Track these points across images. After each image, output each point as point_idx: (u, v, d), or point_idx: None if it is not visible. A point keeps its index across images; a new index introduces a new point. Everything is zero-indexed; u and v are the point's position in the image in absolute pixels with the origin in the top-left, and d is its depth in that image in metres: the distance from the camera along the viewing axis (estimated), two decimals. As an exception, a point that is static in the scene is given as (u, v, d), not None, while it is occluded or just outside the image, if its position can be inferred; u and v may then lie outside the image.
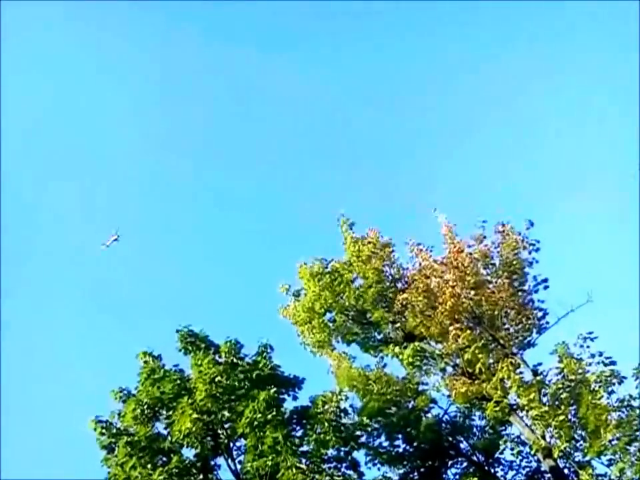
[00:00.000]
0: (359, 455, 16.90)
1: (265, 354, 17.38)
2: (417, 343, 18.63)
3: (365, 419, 17.20)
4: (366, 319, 20.29)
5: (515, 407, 16.87)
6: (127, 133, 39.07)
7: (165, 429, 16.50)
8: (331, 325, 20.41)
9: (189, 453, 16.16)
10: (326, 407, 16.13)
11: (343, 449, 16.13)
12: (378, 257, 20.59)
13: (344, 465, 15.96)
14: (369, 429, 17.18)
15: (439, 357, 18.71)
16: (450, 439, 17.99)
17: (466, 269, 18.69)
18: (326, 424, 15.76)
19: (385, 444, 17.69)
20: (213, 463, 16.36)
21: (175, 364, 17.47)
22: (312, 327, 20.29)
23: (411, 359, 18.35)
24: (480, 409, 17.59)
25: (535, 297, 18.86)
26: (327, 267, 21.08)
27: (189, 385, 16.72)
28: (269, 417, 15.56)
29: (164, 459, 15.77)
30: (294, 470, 14.79)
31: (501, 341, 18.06)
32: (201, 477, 15.78)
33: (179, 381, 16.77)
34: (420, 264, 19.60)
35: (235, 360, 17.16)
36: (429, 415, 18.19)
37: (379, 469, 17.47)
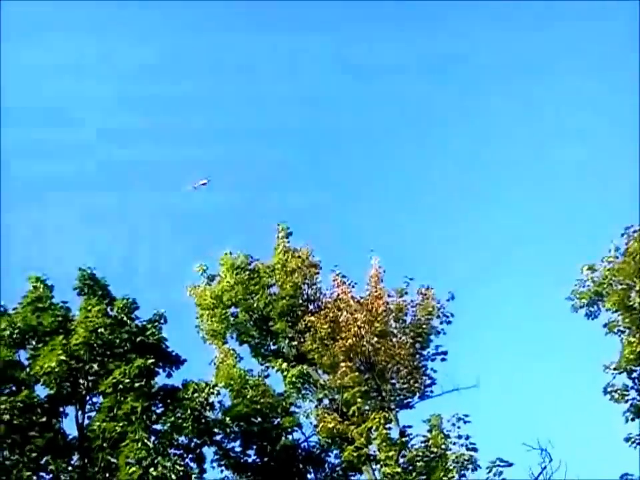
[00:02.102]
0: (208, 452, 16.63)
1: (156, 323, 16.89)
2: (305, 367, 18.59)
3: (228, 419, 16.92)
4: (267, 327, 20.14)
5: (371, 458, 17.00)
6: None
7: (28, 359, 15.80)
8: (232, 319, 20.17)
9: (41, 392, 15.51)
10: (195, 395, 15.73)
11: (195, 440, 15.74)
12: (301, 274, 20.57)
13: (190, 456, 15.60)
14: (228, 430, 16.90)
15: (321, 387, 18.71)
16: (301, 466, 17.91)
17: (378, 315, 18.84)
18: (188, 411, 15.31)
19: (238, 449, 17.45)
20: (62, 409, 15.68)
21: (64, 300, 16.85)
22: (213, 314, 20.00)
23: (294, 379, 18.28)
24: (339, 449, 17.61)
25: (430, 365, 19.19)
26: (250, 264, 20.92)
27: (70, 325, 16.05)
28: (136, 384, 15.05)
29: (13, 388, 15.03)
30: (139, 444, 14.32)
31: (384, 393, 18.23)
32: (44, 419, 15.10)
33: (60, 318, 16.04)
34: (338, 295, 19.66)
35: (125, 318, 16.59)
36: (290, 437, 18.09)
37: (222, 471, 17.21)
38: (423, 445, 16.65)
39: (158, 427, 15.45)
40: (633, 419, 18.10)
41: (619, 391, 18.36)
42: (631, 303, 18.51)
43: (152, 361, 15.67)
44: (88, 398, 15.83)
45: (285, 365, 18.61)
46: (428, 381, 18.73)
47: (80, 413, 15.65)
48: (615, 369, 18.58)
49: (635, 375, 18.36)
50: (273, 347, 20.15)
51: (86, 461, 15.07)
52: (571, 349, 26.47)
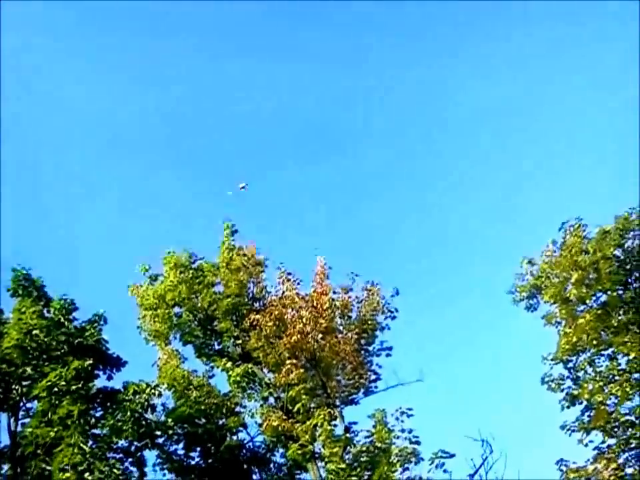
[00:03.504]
0: (150, 455, 16.17)
1: (95, 324, 16.34)
2: (250, 365, 18.26)
3: (170, 421, 16.49)
4: (211, 326, 19.74)
5: (317, 455, 16.85)
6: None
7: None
8: (175, 319, 19.66)
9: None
10: (136, 396, 15.29)
11: (136, 443, 15.26)
12: (247, 272, 20.26)
13: (130, 459, 15.12)
14: (170, 432, 16.48)
15: (266, 385, 18.42)
16: (245, 466, 17.63)
17: (323, 312, 18.69)
18: (128, 413, 14.88)
19: (181, 452, 17.06)
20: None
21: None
22: (156, 314, 19.46)
23: (238, 378, 17.91)
24: (284, 447, 17.42)
25: (375, 360, 19.16)
26: (194, 263, 20.46)
27: (2, 328, 15.38)
28: (73, 387, 14.49)
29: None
30: (76, 449, 13.79)
31: (329, 390, 18.07)
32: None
33: (-9, 321, 15.43)
34: (283, 292, 19.44)
35: (62, 319, 15.99)
36: (235, 438, 17.78)
37: (164, 475, 16.77)
38: (367, 440, 16.57)
39: (97, 430, 14.94)
40: (568, 407, 18.57)
41: (555, 381, 18.82)
42: (568, 295, 18.97)
43: (90, 362, 15.14)
44: (22, 404, 15.18)
45: (229, 365, 18.24)
46: (373, 377, 18.69)
47: (13, 419, 14.98)
48: (552, 359, 19.03)
49: (570, 364, 18.84)
50: (217, 347, 19.77)
51: (18, 469, 14.40)
52: (512, 341, 27.08)
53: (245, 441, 17.90)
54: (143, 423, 15.35)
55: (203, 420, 17.20)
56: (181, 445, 17.03)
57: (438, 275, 33.74)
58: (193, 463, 17.11)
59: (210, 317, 19.65)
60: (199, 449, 17.13)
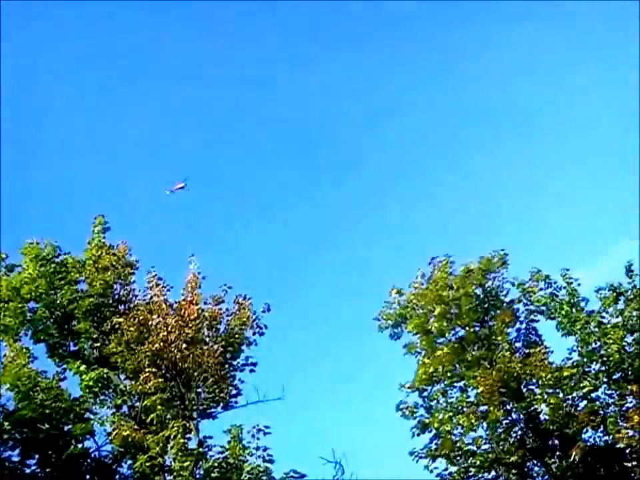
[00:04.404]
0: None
1: None
2: (106, 370, 17.25)
3: (7, 424, 15.17)
4: (69, 326, 18.47)
5: (166, 468, 16.19)
6: None
7: None
8: (29, 314, 18.24)
9: None
10: (-30, 396, 13.95)
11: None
12: (115, 272, 19.30)
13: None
14: (6, 437, 15.14)
15: (121, 392, 17.47)
16: (88, 477, 16.52)
17: (190, 322, 18.15)
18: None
19: (16, 459, 15.71)
20: None
21: None
22: (7, 307, 17.97)
23: (91, 383, 16.86)
24: (133, 458, 16.57)
25: (239, 375, 18.82)
26: (57, 257, 19.20)
27: None
28: None
29: None
30: None
31: (187, 402, 17.48)
32: None
33: None
34: (151, 297, 18.72)
35: None
36: (80, 446, 16.68)
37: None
38: (221, 455, 16.17)
39: None
40: (418, 434, 19.35)
41: (409, 408, 19.55)
42: (429, 327, 19.87)
43: None
44: None
45: (83, 368, 17.16)
46: (234, 391, 18.31)
47: None
48: (409, 387, 19.77)
49: (425, 394, 19.67)
50: (73, 348, 18.51)
51: None
52: (375, 367, 27.87)
53: (91, 450, 16.82)
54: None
55: (47, 425, 15.95)
56: (16, 452, 15.65)
57: (312, 293, 34.15)
58: (28, 471, 15.78)
59: (68, 316, 18.43)
60: (37, 456, 15.84)
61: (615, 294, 19.47)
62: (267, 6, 38.79)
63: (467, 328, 19.87)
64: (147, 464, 15.60)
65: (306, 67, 40.37)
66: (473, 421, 18.51)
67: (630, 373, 18.53)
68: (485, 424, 18.86)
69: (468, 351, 19.61)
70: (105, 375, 17.07)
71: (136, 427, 16.30)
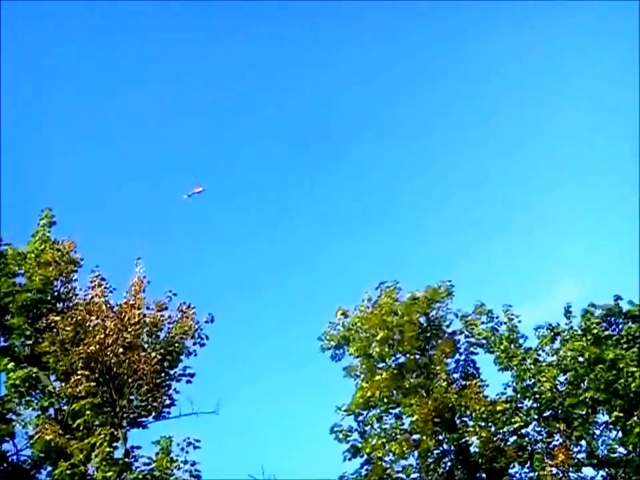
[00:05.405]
0: None
1: None
2: (35, 370, 16.56)
3: None
4: (1, 320, 17.62)
5: (88, 477, 15.56)
6: None
7: None
8: (-43, 306, 17.49)
9: None
10: None
11: None
12: (57, 268, 18.61)
13: None
14: None
15: (49, 394, 16.80)
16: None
17: (130, 326, 17.65)
18: None
19: None
20: None
21: None
22: None
23: (18, 382, 16.13)
24: (53, 465, 15.89)
25: (175, 385, 18.33)
26: (-3, 249, 18.48)
27: None
28: None
29: None
30: None
31: (117, 409, 16.93)
32: None
33: None
34: (92, 297, 18.11)
35: None
36: (-2, 448, 15.92)
37: None
38: (147, 467, 15.67)
39: None
40: (350, 459, 19.23)
41: (344, 432, 19.43)
42: (371, 352, 19.85)
43: None
44: None
45: (11, 365, 16.43)
46: (168, 401, 17.78)
47: None
48: (345, 410, 19.65)
49: (360, 418, 19.59)
50: (3, 344, 17.72)
51: None
52: (315, 388, 27.67)
53: (9, 454, 16.05)
54: None
55: (-36, 423, 15.17)
56: None
57: (259, 308, 33.81)
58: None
59: (2, 309, 17.65)
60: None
61: (552, 333, 19.84)
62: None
63: (408, 355, 19.92)
64: (68, 472, 14.95)
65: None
66: (405, 448, 18.50)
67: (560, 411, 18.85)
68: (416, 453, 18.87)
69: (406, 378, 19.64)
70: (33, 375, 16.35)
71: (61, 431, 15.65)
